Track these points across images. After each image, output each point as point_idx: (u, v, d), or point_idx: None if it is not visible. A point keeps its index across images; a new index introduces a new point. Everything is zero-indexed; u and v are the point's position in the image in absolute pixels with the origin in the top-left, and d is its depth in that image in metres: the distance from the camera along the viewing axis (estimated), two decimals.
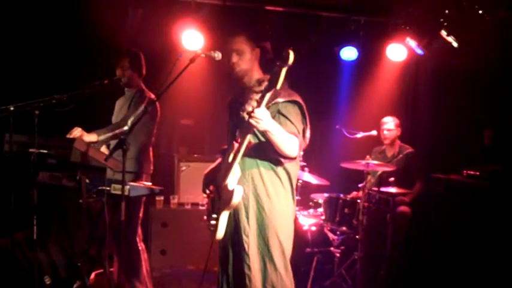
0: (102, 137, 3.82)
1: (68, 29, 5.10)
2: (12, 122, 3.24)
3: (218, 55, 2.98)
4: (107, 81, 3.77)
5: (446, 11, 4.92)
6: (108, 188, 3.35)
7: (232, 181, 2.79)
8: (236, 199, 2.76)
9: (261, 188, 2.89)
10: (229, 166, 2.80)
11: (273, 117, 2.77)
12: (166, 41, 5.36)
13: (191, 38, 5.30)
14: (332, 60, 6.07)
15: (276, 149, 2.76)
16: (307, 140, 2.99)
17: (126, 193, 3.18)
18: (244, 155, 2.79)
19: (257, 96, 2.83)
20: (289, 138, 2.77)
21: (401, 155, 5.27)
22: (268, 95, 2.58)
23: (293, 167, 2.98)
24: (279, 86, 2.52)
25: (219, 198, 2.91)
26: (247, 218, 2.87)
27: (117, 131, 3.90)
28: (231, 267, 2.97)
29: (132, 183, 3.47)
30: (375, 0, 5.40)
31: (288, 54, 2.47)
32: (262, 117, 2.60)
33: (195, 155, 5.76)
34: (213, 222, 2.89)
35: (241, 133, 2.78)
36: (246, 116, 2.81)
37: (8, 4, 4.82)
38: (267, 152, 2.84)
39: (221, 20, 5.42)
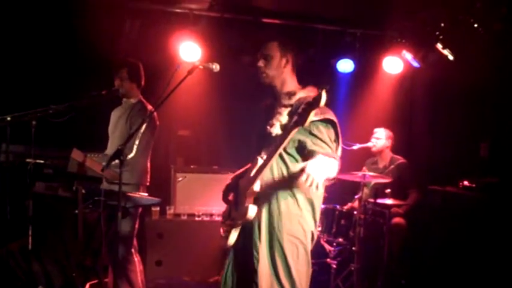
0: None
1: (66, 39, 5.10)
2: (9, 132, 3.23)
3: (216, 67, 2.97)
4: (105, 91, 3.76)
5: (442, 24, 4.96)
6: (104, 199, 3.33)
7: (250, 196, 2.74)
8: (249, 217, 2.71)
9: (274, 206, 2.79)
10: (251, 181, 2.73)
11: (303, 138, 2.71)
12: (163, 53, 5.37)
13: (189, 50, 5.33)
14: (329, 72, 6.09)
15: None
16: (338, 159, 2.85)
17: (122, 204, 3.16)
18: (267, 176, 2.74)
19: (285, 111, 2.79)
20: (330, 163, 2.60)
21: (392, 166, 5.28)
22: (293, 132, 2.50)
23: (313, 198, 2.83)
24: (305, 124, 2.44)
25: (236, 208, 2.87)
26: (259, 233, 2.78)
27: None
28: (236, 277, 2.89)
29: (128, 194, 3.45)
30: (371, 13, 5.43)
31: (320, 96, 2.37)
32: (316, 173, 2.46)
33: (192, 166, 5.76)
34: (225, 228, 2.88)
35: (267, 151, 2.72)
36: (273, 132, 2.79)
37: (6, 14, 4.83)
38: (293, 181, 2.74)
39: (219, 32, 5.45)
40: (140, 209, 4.10)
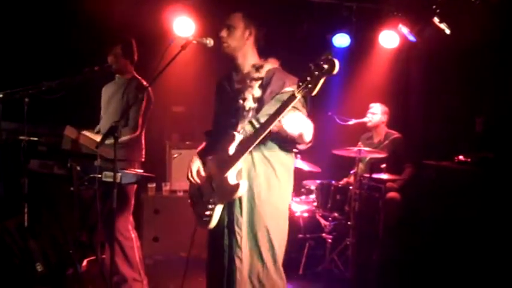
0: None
1: (57, 14, 5.03)
2: (1, 109, 3.20)
3: (210, 42, 2.92)
4: (98, 68, 3.72)
5: None
6: (99, 176, 3.32)
7: (233, 174, 2.71)
8: (240, 193, 2.69)
9: (254, 179, 2.79)
10: (232, 159, 2.69)
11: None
12: (157, 28, 5.32)
13: (182, 25, 5.28)
14: (324, 47, 6.03)
15: (298, 140, 2.70)
16: None
17: (118, 180, 3.15)
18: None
19: (256, 84, 2.79)
20: (307, 122, 2.68)
21: (387, 141, 5.28)
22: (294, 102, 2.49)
23: (289, 158, 2.91)
24: (314, 93, 2.43)
25: (212, 188, 2.83)
26: (241, 209, 2.79)
27: (132, 136, 3.95)
28: (226, 257, 2.86)
29: (123, 171, 3.44)
30: None
31: (334, 64, 2.34)
32: (294, 123, 2.55)
33: (187, 142, 5.74)
34: (208, 212, 2.81)
35: (243, 124, 2.72)
36: (247, 105, 2.76)
37: None
38: (278, 142, 2.79)
39: (213, 6, 5.36)
40: (136, 186, 4.10)
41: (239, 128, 2.78)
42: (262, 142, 2.70)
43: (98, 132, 4.11)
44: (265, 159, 2.81)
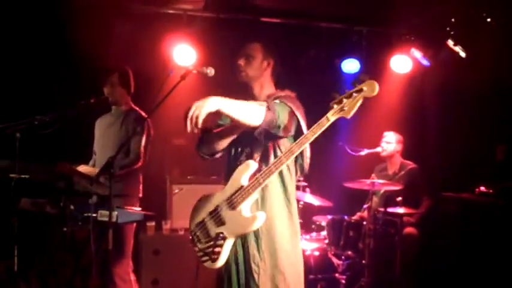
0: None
1: (51, 44, 5.09)
2: None
3: (211, 71, 2.95)
4: (93, 100, 3.77)
5: (453, 20, 4.96)
6: (94, 215, 3.31)
7: (247, 206, 2.70)
8: (256, 226, 2.68)
9: (270, 210, 2.81)
10: (248, 189, 2.69)
11: None
12: (156, 57, 5.36)
13: (183, 53, 5.32)
14: (333, 73, 6.08)
15: (238, 120, 2.68)
16: (307, 159, 2.94)
17: (114, 219, 3.14)
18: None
19: None
20: (250, 106, 2.69)
21: (403, 172, 5.25)
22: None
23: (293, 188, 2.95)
24: (350, 115, 2.51)
25: (221, 222, 2.79)
26: (257, 244, 2.79)
27: (132, 168, 3.99)
28: None
29: (120, 209, 3.43)
30: (377, 10, 5.42)
31: (374, 85, 2.46)
32: (197, 105, 2.63)
33: (189, 177, 5.72)
34: (216, 249, 2.76)
35: (258, 152, 2.78)
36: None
37: None
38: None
39: (215, 34, 5.44)
40: (135, 225, 4.09)
41: (255, 156, 2.83)
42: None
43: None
44: (280, 188, 2.87)
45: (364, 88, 2.46)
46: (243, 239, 2.81)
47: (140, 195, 4.18)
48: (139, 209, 3.90)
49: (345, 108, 2.49)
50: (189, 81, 3.13)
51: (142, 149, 4.06)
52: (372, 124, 5.96)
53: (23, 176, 3.26)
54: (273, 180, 2.81)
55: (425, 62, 5.38)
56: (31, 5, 4.90)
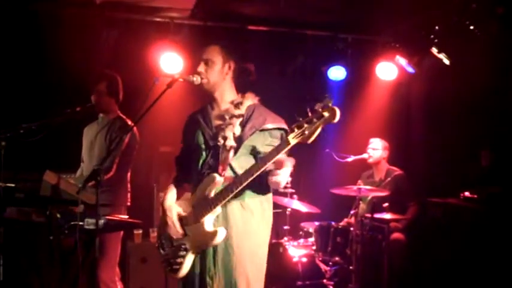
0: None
1: (37, 52, 5.06)
2: None
3: (197, 79, 2.90)
4: (80, 108, 3.74)
5: (436, 27, 5.00)
6: (81, 223, 3.28)
7: (210, 220, 2.67)
8: (217, 241, 2.66)
9: (232, 226, 2.74)
10: (211, 203, 2.67)
11: (259, 145, 2.76)
12: (143, 65, 5.33)
13: (170, 61, 5.31)
14: (319, 80, 6.11)
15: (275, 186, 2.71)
16: None
17: (100, 228, 3.12)
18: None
19: (237, 121, 2.79)
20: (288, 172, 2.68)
21: (389, 178, 5.27)
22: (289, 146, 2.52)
23: (268, 202, 2.88)
24: (310, 141, 2.45)
25: (185, 233, 2.80)
26: (214, 258, 2.74)
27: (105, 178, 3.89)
28: None
29: (107, 217, 3.40)
30: (362, 18, 5.47)
31: (335, 112, 2.39)
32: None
33: None
34: (178, 260, 2.77)
35: (224, 165, 2.71)
36: (228, 144, 2.75)
37: None
38: (250, 189, 2.77)
39: (202, 42, 5.42)
40: (122, 233, 4.06)
41: (220, 169, 2.75)
42: (245, 188, 2.68)
43: (80, 176, 4.10)
44: (243, 204, 2.78)
45: (326, 114, 2.39)
46: (203, 251, 2.77)
47: (128, 203, 4.15)
48: (127, 216, 3.88)
49: (306, 133, 2.43)
50: (176, 89, 3.13)
51: (116, 159, 3.96)
52: (358, 131, 6.00)
53: (8, 185, 3.23)
54: (237, 196, 2.73)
55: (410, 69, 5.41)
56: (16, 13, 4.87)
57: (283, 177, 2.60)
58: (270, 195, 2.90)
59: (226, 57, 2.90)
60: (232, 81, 2.96)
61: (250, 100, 2.92)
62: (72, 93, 4.54)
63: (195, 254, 2.76)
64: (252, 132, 2.77)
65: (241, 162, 2.78)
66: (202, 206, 2.72)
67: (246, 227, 2.76)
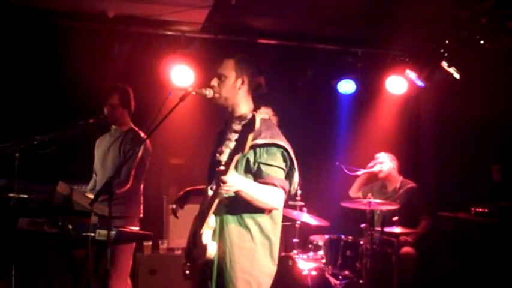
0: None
1: (51, 65, 5.13)
2: None
3: (210, 92, 2.88)
4: (92, 120, 3.78)
5: (447, 42, 5.01)
6: (92, 234, 3.30)
7: (207, 234, 2.67)
8: (208, 255, 2.64)
9: (226, 241, 2.69)
10: (204, 215, 2.67)
11: (251, 162, 2.68)
12: (154, 78, 5.40)
13: (181, 74, 5.35)
14: (329, 93, 6.13)
15: (254, 204, 2.63)
16: (295, 185, 2.83)
17: (112, 239, 3.13)
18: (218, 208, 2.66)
19: (235, 137, 2.70)
20: (267, 192, 2.63)
21: (402, 190, 5.26)
22: (236, 159, 2.48)
23: (266, 220, 2.76)
24: (245, 151, 2.44)
25: (195, 246, 2.79)
26: (211, 272, 2.68)
27: (121, 190, 3.94)
28: None
29: (119, 229, 3.42)
30: (372, 32, 5.49)
31: (254, 119, 2.39)
32: (232, 184, 2.51)
33: None
34: (187, 271, 2.81)
35: (216, 183, 2.63)
36: (223, 160, 2.69)
37: None
38: (244, 206, 2.69)
39: (213, 55, 5.48)
40: (134, 245, 4.08)
41: (213, 184, 2.72)
42: (225, 203, 2.66)
43: (92, 189, 4.13)
44: (240, 220, 2.72)
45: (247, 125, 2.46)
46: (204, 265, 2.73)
47: (141, 215, 4.18)
48: (137, 228, 3.90)
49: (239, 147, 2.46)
50: (187, 101, 3.15)
51: (132, 171, 4.00)
52: (368, 144, 6.01)
53: (21, 196, 3.26)
54: (233, 211, 2.70)
55: (420, 83, 5.42)
56: (32, 27, 4.94)
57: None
58: (272, 213, 2.78)
59: (239, 71, 2.86)
60: (249, 96, 2.92)
61: (257, 115, 2.74)
62: (85, 106, 4.58)
63: (198, 265, 2.75)
64: (239, 147, 2.61)
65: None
66: (200, 219, 2.74)
67: (240, 243, 2.69)
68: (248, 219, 2.71)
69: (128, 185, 3.96)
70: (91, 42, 4.95)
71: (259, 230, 2.73)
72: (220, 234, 2.70)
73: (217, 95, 2.87)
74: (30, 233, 3.41)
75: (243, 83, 2.88)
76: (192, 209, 5.44)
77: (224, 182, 2.49)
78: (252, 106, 2.91)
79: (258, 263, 2.71)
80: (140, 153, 4.02)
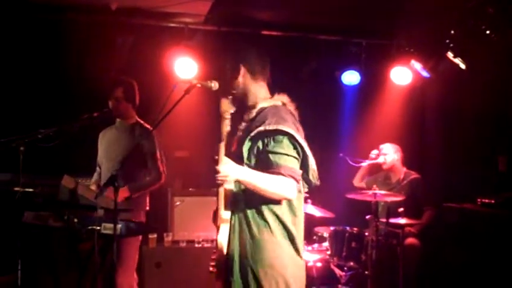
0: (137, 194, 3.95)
1: (54, 59, 5.12)
2: None
3: (215, 85, 2.83)
4: (97, 113, 3.78)
5: (452, 32, 4.97)
6: (98, 228, 3.29)
7: (223, 228, 2.61)
8: (220, 250, 2.59)
9: (245, 233, 2.61)
10: (217, 209, 2.64)
11: (258, 150, 2.60)
12: (158, 70, 5.37)
13: (184, 66, 5.33)
14: (333, 85, 6.10)
15: (263, 194, 2.55)
16: (313, 172, 2.76)
17: (118, 232, 3.13)
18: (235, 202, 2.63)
19: (243, 126, 2.72)
20: (274, 181, 2.51)
21: (406, 181, 5.27)
22: (221, 148, 2.49)
23: (284, 210, 2.65)
24: (222, 140, 2.50)
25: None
26: (232, 266, 2.60)
27: (156, 185, 4.08)
28: None
29: (125, 222, 3.41)
30: (376, 22, 5.46)
31: (255, 107, 2.41)
32: (226, 173, 2.46)
33: (190, 189, 5.71)
34: (211, 268, 2.71)
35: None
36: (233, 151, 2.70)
37: None
38: (260, 198, 2.59)
39: (216, 47, 5.46)
40: (140, 238, 4.09)
41: None
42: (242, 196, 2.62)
43: (98, 181, 4.13)
44: (257, 212, 2.63)
45: None
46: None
47: (147, 208, 4.19)
48: (142, 221, 3.90)
49: None
50: (192, 94, 3.13)
51: (160, 164, 4.09)
52: (372, 135, 5.99)
53: (26, 190, 3.26)
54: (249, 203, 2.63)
55: (425, 74, 5.39)
56: (34, 21, 4.94)
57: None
58: (292, 204, 2.68)
59: (238, 61, 2.79)
60: (256, 83, 2.80)
61: (266, 103, 2.75)
62: (89, 99, 4.58)
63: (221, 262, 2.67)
64: (247, 137, 2.63)
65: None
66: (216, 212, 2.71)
67: (260, 236, 2.60)
68: (266, 211, 2.61)
69: (163, 179, 4.11)
70: (94, 35, 4.94)
71: (278, 222, 2.63)
72: (240, 228, 2.63)
73: (234, 92, 2.79)
74: (36, 226, 3.41)
75: (244, 71, 2.79)
76: (196, 202, 5.53)
77: (216, 172, 2.46)
78: (262, 93, 2.81)
79: (280, 256, 2.61)
80: (156, 146, 4.05)
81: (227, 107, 2.60)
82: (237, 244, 2.61)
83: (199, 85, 2.86)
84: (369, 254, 4.67)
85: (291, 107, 2.78)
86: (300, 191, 2.71)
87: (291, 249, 2.66)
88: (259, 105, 2.74)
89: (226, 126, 2.58)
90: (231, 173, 2.49)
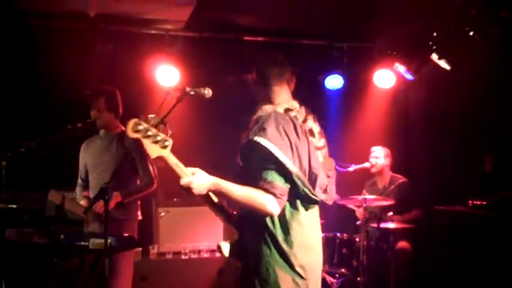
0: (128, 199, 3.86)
1: (31, 67, 4.98)
2: None
3: (208, 92, 2.75)
4: (80, 124, 3.67)
5: (435, 34, 4.99)
6: (86, 244, 3.18)
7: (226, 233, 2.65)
8: (224, 255, 2.56)
9: (245, 245, 2.57)
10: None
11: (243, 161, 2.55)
12: (139, 78, 5.29)
13: (166, 74, 5.26)
14: (317, 89, 6.08)
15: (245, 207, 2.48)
16: (303, 183, 2.52)
17: (108, 248, 3.02)
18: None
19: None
20: (251, 195, 2.42)
21: (393, 186, 5.26)
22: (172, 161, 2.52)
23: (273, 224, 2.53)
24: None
25: None
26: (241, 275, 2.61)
27: (149, 191, 3.99)
28: None
29: (115, 235, 3.28)
30: (358, 25, 5.46)
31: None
32: (189, 186, 2.42)
33: (175, 199, 5.60)
34: None
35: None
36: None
37: None
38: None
39: (198, 53, 5.39)
40: (134, 250, 4.02)
41: None
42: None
43: (85, 194, 4.00)
44: (252, 222, 2.54)
45: None
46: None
47: (140, 218, 4.11)
48: (134, 234, 3.81)
49: None
50: (172, 101, 3.03)
51: (152, 170, 4.02)
52: (357, 139, 5.99)
53: (10, 206, 3.14)
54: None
55: (409, 76, 5.39)
56: (11, 28, 4.83)
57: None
58: (285, 220, 2.55)
59: (252, 68, 2.79)
60: (266, 87, 2.74)
61: (266, 110, 2.64)
62: (68, 108, 4.47)
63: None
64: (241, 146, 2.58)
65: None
66: None
67: (254, 245, 2.53)
68: (260, 226, 2.52)
69: (155, 184, 4.04)
70: (72, 43, 4.84)
71: (271, 238, 2.52)
72: (241, 237, 2.60)
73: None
74: (19, 244, 3.28)
75: (254, 77, 2.76)
76: (181, 213, 5.42)
77: (181, 186, 2.44)
78: (273, 99, 2.72)
79: (272, 268, 2.51)
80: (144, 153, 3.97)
81: (130, 129, 2.49)
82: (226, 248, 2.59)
83: (192, 93, 2.76)
84: (361, 260, 4.64)
85: (300, 114, 2.71)
86: (296, 207, 2.58)
87: (285, 264, 2.52)
88: (258, 113, 2.66)
89: (152, 142, 2.56)
90: (196, 186, 2.42)
